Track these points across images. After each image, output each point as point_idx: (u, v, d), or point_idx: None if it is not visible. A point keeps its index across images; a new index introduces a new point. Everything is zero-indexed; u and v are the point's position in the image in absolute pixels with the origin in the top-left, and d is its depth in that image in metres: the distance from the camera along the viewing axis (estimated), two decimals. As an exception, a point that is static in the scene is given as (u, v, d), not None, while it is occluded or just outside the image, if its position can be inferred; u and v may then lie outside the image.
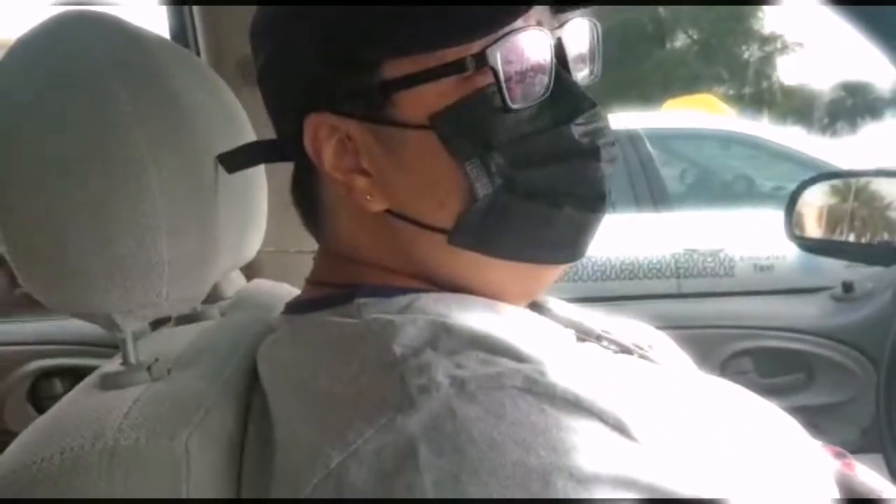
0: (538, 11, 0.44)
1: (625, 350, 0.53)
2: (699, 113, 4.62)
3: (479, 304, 0.46)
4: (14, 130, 0.44)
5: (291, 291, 0.65)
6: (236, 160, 0.50)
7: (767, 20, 13.67)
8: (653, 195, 3.49)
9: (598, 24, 0.48)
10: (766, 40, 14.12)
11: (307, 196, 0.50)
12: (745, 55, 14.23)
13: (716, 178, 4.19)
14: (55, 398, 0.54)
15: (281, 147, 0.50)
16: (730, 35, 13.65)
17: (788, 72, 14.17)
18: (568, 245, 0.47)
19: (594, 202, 0.46)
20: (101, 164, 0.43)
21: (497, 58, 0.41)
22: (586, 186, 0.45)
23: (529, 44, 0.42)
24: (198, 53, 0.95)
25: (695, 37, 14.39)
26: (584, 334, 0.53)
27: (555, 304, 0.57)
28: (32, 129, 0.43)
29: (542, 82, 0.43)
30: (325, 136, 0.45)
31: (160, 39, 0.55)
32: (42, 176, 0.43)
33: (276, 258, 0.86)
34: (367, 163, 0.45)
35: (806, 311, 1.22)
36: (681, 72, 13.39)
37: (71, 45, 0.46)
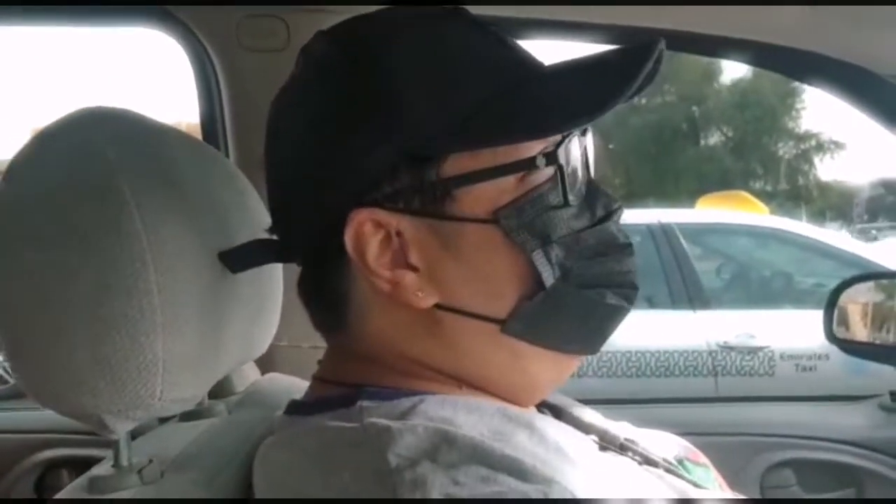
0: None
1: (650, 462, 0.50)
2: (733, 209, 4.61)
3: (488, 408, 0.44)
4: (18, 224, 0.44)
5: (305, 388, 0.64)
6: (241, 258, 0.50)
7: (803, 119, 13.82)
8: (688, 291, 3.45)
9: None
10: (801, 138, 14.22)
11: (328, 294, 0.48)
12: (781, 152, 14.31)
13: (753, 273, 4.13)
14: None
15: (290, 246, 0.49)
16: (765, 133, 13.79)
17: (825, 169, 14.15)
18: (600, 335, 0.49)
19: (630, 292, 0.48)
20: (99, 260, 0.43)
21: (563, 157, 0.44)
22: (623, 278, 0.47)
23: (576, 147, 0.46)
24: (227, 154, 0.97)
25: (729, 134, 14.58)
26: (606, 443, 0.51)
27: (578, 408, 0.55)
28: (36, 226, 0.44)
29: (582, 182, 0.46)
30: (370, 231, 0.44)
31: (182, 138, 0.55)
32: (42, 270, 0.43)
33: (293, 351, 0.84)
34: (416, 257, 0.44)
35: (853, 420, 1.15)
36: (714, 168, 13.49)
37: (85, 143, 0.46)
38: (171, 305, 0.44)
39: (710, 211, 4.70)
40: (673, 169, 13.39)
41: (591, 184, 0.48)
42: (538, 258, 0.44)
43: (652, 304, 3.43)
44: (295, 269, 0.52)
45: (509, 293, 0.45)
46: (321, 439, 0.43)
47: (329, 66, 0.46)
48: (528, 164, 0.43)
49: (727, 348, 3.25)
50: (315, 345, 0.65)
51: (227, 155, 0.96)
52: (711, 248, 4.07)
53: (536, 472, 0.38)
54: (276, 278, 0.64)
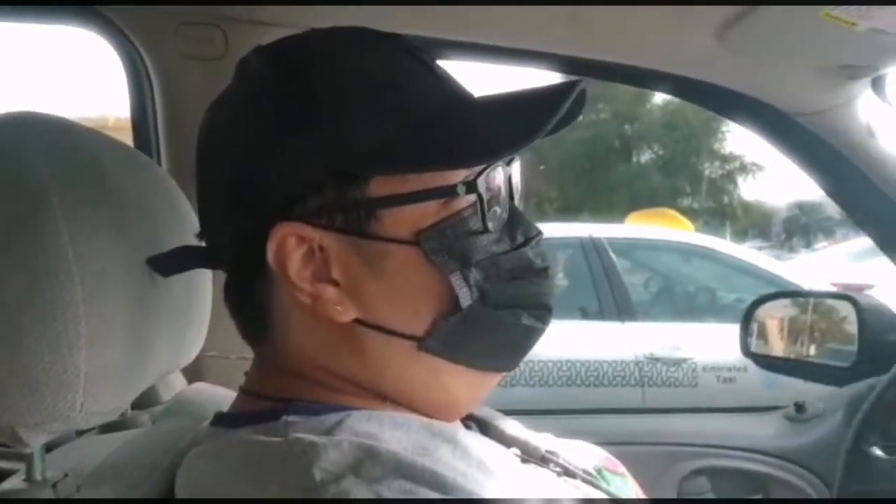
0: None
1: (569, 473, 0.52)
2: (660, 226, 4.77)
3: (414, 423, 0.45)
4: None
5: (233, 398, 0.63)
6: (170, 264, 0.50)
7: (728, 141, 14.42)
8: (617, 303, 3.54)
9: (519, 163, 0.53)
10: (726, 159, 14.83)
11: (251, 304, 0.49)
12: (707, 172, 14.88)
13: (678, 288, 4.27)
14: None
15: (218, 253, 0.49)
16: (692, 153, 14.31)
17: (748, 189, 14.82)
18: (515, 354, 0.51)
19: (544, 313, 0.50)
20: (23, 273, 0.42)
21: (483, 186, 0.46)
22: (539, 299, 0.49)
23: (499, 176, 0.47)
24: (158, 161, 0.95)
25: (659, 153, 15.07)
26: (528, 455, 0.52)
27: (502, 420, 0.57)
28: None
29: (504, 209, 0.48)
30: (293, 245, 0.45)
31: (113, 145, 0.55)
32: None
33: (221, 361, 0.83)
34: (337, 273, 0.45)
35: (762, 430, 1.21)
36: (645, 185, 13.92)
37: (9, 147, 0.45)
38: (96, 317, 0.43)
39: (639, 227, 4.85)
40: (606, 184, 13.74)
41: (513, 211, 0.49)
42: (456, 280, 0.45)
43: (584, 315, 3.53)
44: (224, 278, 0.52)
45: (427, 312, 0.46)
46: (246, 453, 0.44)
47: (264, 80, 0.47)
48: (450, 191, 0.45)
49: (653, 360, 3.36)
50: (243, 355, 0.64)
51: (158, 162, 0.94)
52: (640, 263, 4.20)
53: (457, 486, 0.39)
54: (204, 287, 0.63)
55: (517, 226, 0.49)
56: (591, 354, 3.32)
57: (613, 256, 3.66)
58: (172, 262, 0.50)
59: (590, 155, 13.68)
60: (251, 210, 0.46)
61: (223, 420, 0.50)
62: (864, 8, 0.70)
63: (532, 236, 0.50)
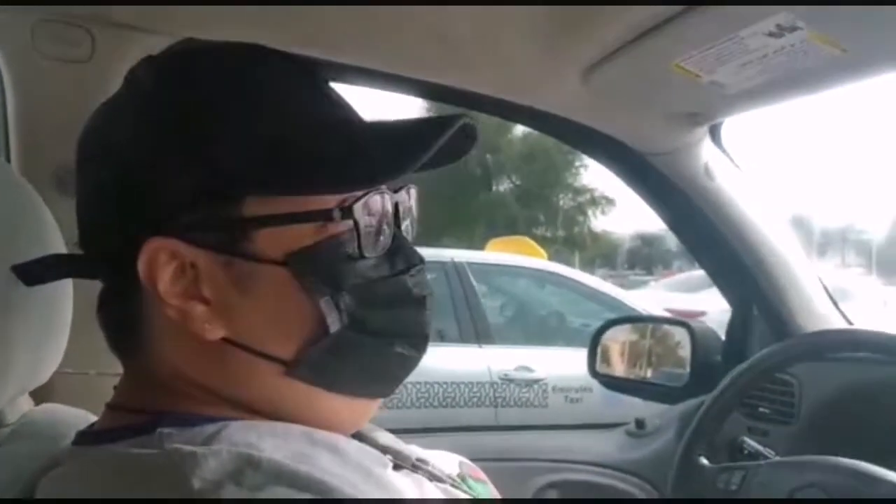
0: None
1: (438, 479, 0.54)
2: (517, 253, 4.98)
3: (294, 432, 0.46)
4: None
5: (87, 418, 0.59)
6: (36, 273, 0.47)
7: (581, 175, 15.34)
8: (475, 327, 3.65)
9: (415, 191, 0.54)
10: (578, 191, 15.77)
11: (123, 317, 0.48)
12: (561, 203, 15.74)
13: (532, 312, 4.48)
14: None
15: (93, 263, 0.48)
16: (547, 185, 15.08)
17: (597, 221, 15.84)
18: (393, 379, 0.51)
19: (420, 342, 0.50)
20: None
21: (360, 212, 0.45)
22: (415, 328, 0.50)
23: (378, 203, 0.47)
24: (8, 159, 0.88)
25: (517, 183, 15.75)
26: (400, 462, 0.54)
27: (376, 431, 0.58)
28: None
29: (387, 237, 0.48)
30: (164, 260, 0.44)
31: None
32: None
33: (72, 380, 0.78)
34: (208, 291, 0.45)
35: (606, 445, 1.29)
36: (504, 213, 14.48)
37: None
38: None
39: (498, 254, 5.04)
40: (467, 212, 14.15)
41: (398, 238, 0.49)
42: (326, 304, 0.45)
43: (442, 338, 3.60)
44: (84, 292, 0.50)
45: (297, 336, 0.45)
46: (119, 468, 0.42)
47: (147, 92, 0.47)
48: (325, 215, 0.45)
49: (507, 381, 3.49)
50: (102, 371, 0.61)
51: (8, 161, 0.87)
52: (496, 287, 4.36)
53: (338, 492, 0.40)
54: (65, 300, 0.60)
55: (399, 253, 0.49)
56: (447, 376, 3.40)
57: (474, 281, 3.77)
58: (39, 271, 0.48)
59: (453, 182, 14.04)
60: (126, 222, 0.45)
61: (88, 437, 0.48)
62: (708, 63, 0.79)
63: (413, 264, 0.50)
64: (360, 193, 0.46)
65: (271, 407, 0.47)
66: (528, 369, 3.54)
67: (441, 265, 3.75)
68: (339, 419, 0.49)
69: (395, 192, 0.50)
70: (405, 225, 0.52)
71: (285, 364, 0.46)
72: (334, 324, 0.45)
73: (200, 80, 0.47)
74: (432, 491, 0.52)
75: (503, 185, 16.00)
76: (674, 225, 1.25)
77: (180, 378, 0.47)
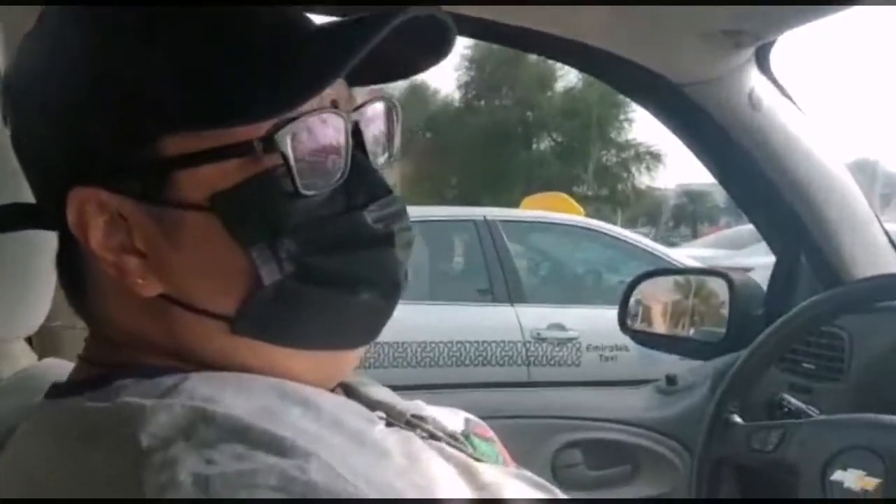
0: (335, 91, 0.42)
1: (433, 437, 0.50)
2: (553, 210, 4.89)
3: (260, 384, 0.42)
4: None
5: None
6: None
7: (626, 130, 14.99)
8: (508, 286, 3.60)
9: (398, 106, 0.47)
10: (622, 147, 15.41)
11: (71, 272, 0.46)
12: (603, 160, 15.42)
13: (567, 271, 4.39)
14: None
15: (41, 214, 0.45)
16: (589, 141, 14.78)
17: (641, 177, 15.48)
18: (359, 331, 0.47)
19: (389, 289, 0.45)
20: None
21: (287, 141, 0.39)
22: (381, 273, 0.44)
23: (323, 127, 0.41)
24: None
25: (558, 140, 15.47)
26: (393, 418, 0.50)
27: (370, 386, 0.54)
28: None
29: (338, 166, 0.42)
30: (93, 212, 0.41)
31: None
32: None
33: (76, 334, 0.75)
34: (141, 243, 0.41)
35: (633, 402, 1.23)
36: (544, 171, 14.26)
37: None
38: None
39: (532, 211, 4.96)
40: (506, 170, 13.97)
41: (359, 167, 0.43)
42: (259, 252, 0.40)
43: (482, 296, 3.55)
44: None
45: (235, 290, 0.41)
46: (72, 423, 0.40)
47: (61, 37, 0.42)
48: (244, 149, 0.39)
49: (539, 339, 3.45)
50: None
51: None
52: (531, 245, 4.29)
53: (297, 447, 0.37)
54: (47, 250, 0.56)
55: (360, 185, 0.43)
56: (480, 336, 3.39)
57: (506, 239, 3.71)
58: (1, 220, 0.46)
59: (491, 140, 13.86)
60: (48, 171, 0.43)
61: (56, 391, 0.46)
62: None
63: (376, 196, 0.44)
64: (288, 117, 0.39)
65: (226, 362, 0.43)
66: (562, 328, 3.49)
67: (473, 223, 3.70)
68: (310, 376, 0.45)
69: (354, 110, 0.44)
70: (375, 149, 0.45)
71: (227, 320, 0.42)
72: (271, 274, 0.40)
73: (107, 19, 0.41)
74: (422, 448, 0.48)
75: (543, 143, 15.72)
76: (716, 169, 1.13)
77: (131, 334, 0.44)
